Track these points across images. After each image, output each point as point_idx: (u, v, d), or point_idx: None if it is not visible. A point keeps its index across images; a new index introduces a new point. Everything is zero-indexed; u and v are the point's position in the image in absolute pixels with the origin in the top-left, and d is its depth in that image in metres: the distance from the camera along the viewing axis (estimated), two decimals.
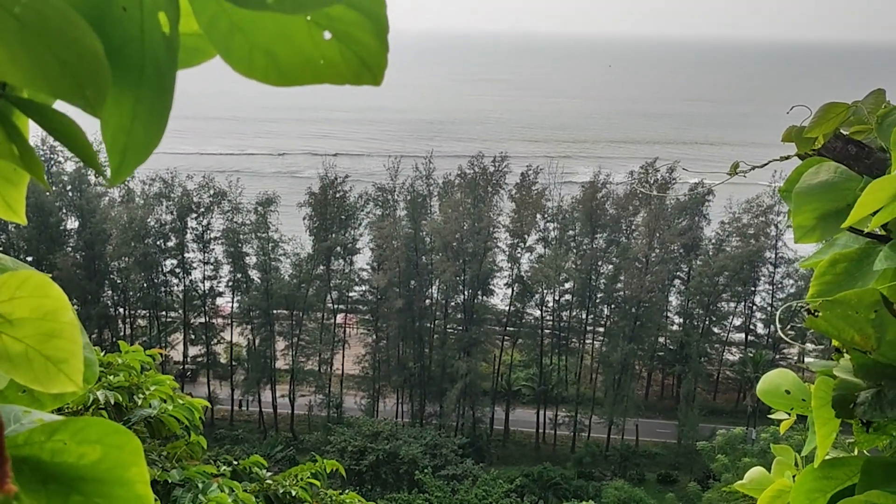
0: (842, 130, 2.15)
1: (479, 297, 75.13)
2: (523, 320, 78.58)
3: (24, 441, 0.93)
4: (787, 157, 2.46)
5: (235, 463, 9.16)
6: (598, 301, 76.94)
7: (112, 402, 7.50)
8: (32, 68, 0.79)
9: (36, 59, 0.79)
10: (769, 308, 75.14)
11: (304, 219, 75.71)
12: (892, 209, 1.78)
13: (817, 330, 1.61)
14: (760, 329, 77.30)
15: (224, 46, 0.93)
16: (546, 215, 77.48)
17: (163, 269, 76.04)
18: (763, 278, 76.26)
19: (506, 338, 77.85)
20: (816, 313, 1.58)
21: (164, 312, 77.65)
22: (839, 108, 2.21)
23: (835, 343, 1.99)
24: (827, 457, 1.80)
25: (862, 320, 1.55)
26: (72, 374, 0.98)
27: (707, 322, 76.12)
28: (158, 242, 74.78)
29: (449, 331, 77.51)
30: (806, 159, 2.18)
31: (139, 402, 7.86)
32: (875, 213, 1.81)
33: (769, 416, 2.37)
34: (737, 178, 2.69)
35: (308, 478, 9.29)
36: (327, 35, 0.92)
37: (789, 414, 2.43)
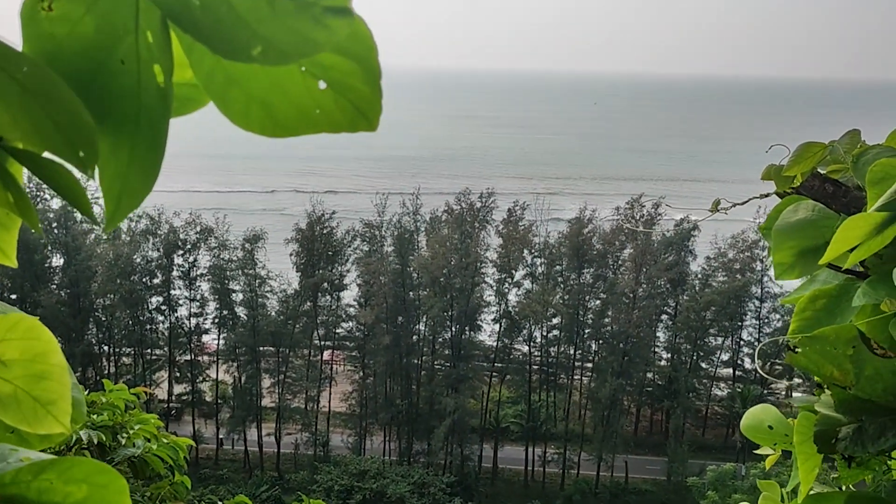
0: (819, 169, 2.20)
1: (467, 333, 74.92)
2: (511, 356, 78.36)
3: (10, 480, 0.93)
4: (767, 195, 2.50)
5: (220, 503, 9.04)
6: (585, 336, 76.91)
7: (95, 442, 7.40)
8: (32, 129, 0.86)
9: (34, 120, 0.85)
10: (756, 343, 75.29)
11: (290, 255, 75.59)
12: (869, 246, 1.81)
13: (797, 366, 1.63)
14: (748, 364, 77.36)
15: (221, 99, 0.96)
16: (533, 250, 77.71)
17: (148, 307, 75.49)
18: (750, 313, 76.55)
19: (494, 374, 77.51)
20: (796, 349, 1.61)
21: (149, 350, 76.88)
22: (816, 147, 2.26)
23: (816, 379, 2.01)
24: (812, 492, 1.81)
25: (840, 356, 1.58)
26: (60, 415, 1.00)
27: (695, 357, 76.15)
28: (144, 279, 74.35)
29: (437, 367, 77.11)
30: (785, 197, 2.22)
31: (123, 441, 7.76)
32: (853, 249, 1.85)
33: (755, 451, 2.38)
34: (721, 213, 2.75)
35: None
36: (322, 85, 0.94)
37: (774, 449, 2.45)
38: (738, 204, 2.69)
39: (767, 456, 2.53)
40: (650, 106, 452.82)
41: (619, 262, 77.63)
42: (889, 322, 1.59)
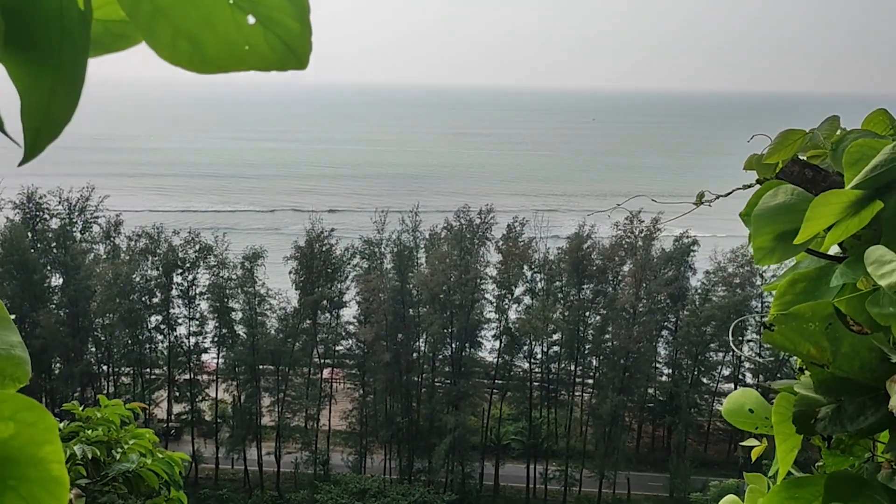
0: (799, 155, 2.20)
1: (467, 350, 74.71)
2: (511, 373, 78.09)
3: None
4: (750, 186, 2.50)
5: None
6: (586, 352, 76.70)
7: (90, 457, 7.34)
8: None
9: None
10: (757, 358, 75.08)
11: (289, 273, 75.53)
12: (847, 227, 1.81)
13: (774, 345, 1.62)
14: (749, 379, 77.06)
15: (148, 31, 0.94)
16: (533, 266, 77.70)
17: (147, 326, 75.33)
18: (750, 328, 76.31)
19: (494, 391, 77.22)
20: (772, 328, 1.60)
21: (148, 369, 76.64)
22: (796, 134, 2.26)
23: (798, 364, 2.00)
24: (791, 477, 1.79)
25: (817, 333, 1.57)
26: None
27: (696, 372, 75.88)
28: (143, 299, 74.24)
29: (437, 384, 76.82)
30: (765, 183, 2.22)
31: (118, 456, 7.69)
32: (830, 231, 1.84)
33: (741, 444, 2.36)
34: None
35: None
36: (251, 19, 0.93)
37: (759, 440, 2.43)
38: (722, 196, 2.69)
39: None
40: (648, 121, 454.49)
41: (619, 278, 77.57)
42: (866, 299, 1.58)
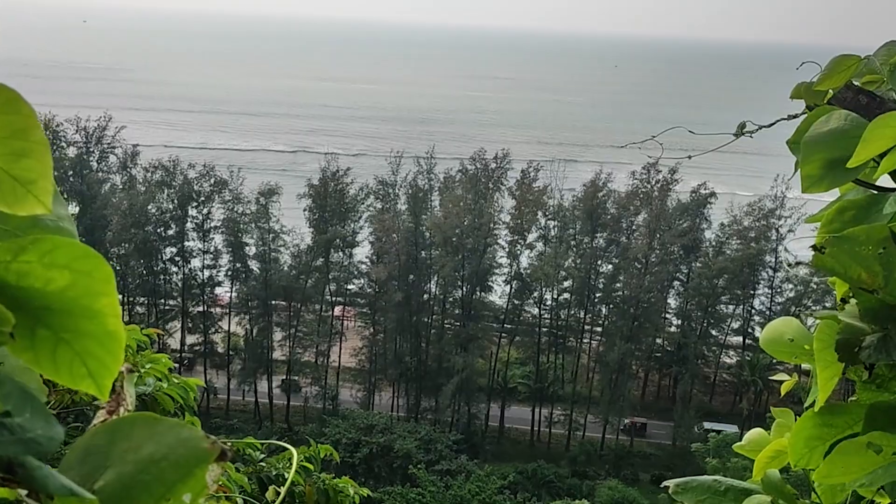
0: (853, 82, 2.11)
1: (478, 294, 75.11)
2: (521, 318, 78.59)
3: None
4: (796, 116, 2.42)
5: (229, 444, 9.11)
6: (596, 300, 76.92)
7: None
8: None
9: None
10: (768, 312, 75.04)
11: (304, 210, 75.68)
12: None
13: (824, 268, 1.56)
14: (758, 332, 77.16)
15: None
16: (547, 213, 77.44)
17: (162, 257, 75.96)
18: (762, 282, 76.20)
19: (503, 335, 77.86)
20: (823, 250, 1.54)
21: (162, 300, 77.58)
22: (851, 60, 2.17)
23: (838, 294, 1.95)
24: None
25: (869, 257, 1.51)
26: (41, 195, 0.90)
27: (705, 324, 76.08)
28: (159, 230, 74.72)
29: (446, 326, 77.50)
30: (815, 109, 2.13)
31: (134, 379, 7.79)
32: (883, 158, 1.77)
33: (771, 377, 2.34)
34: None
35: (301, 461, 9.27)
36: None
37: (790, 376, 2.40)
38: (765, 126, 2.61)
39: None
40: (674, 70, 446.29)
41: (633, 227, 77.28)
42: None
